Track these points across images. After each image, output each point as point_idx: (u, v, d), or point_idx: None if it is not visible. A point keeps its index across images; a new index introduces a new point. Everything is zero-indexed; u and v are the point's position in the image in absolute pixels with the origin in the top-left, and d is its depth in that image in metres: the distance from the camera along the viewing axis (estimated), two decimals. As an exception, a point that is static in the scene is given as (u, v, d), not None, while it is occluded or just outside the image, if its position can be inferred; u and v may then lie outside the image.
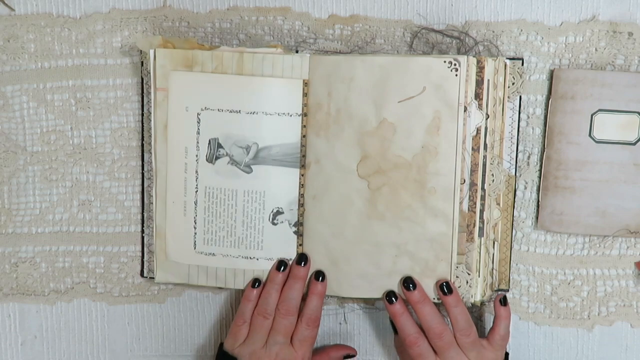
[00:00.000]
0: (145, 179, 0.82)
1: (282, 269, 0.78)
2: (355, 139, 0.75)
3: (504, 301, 0.75)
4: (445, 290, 0.75)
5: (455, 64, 0.72)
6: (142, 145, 0.82)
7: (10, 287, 0.86)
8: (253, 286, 0.78)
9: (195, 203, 0.79)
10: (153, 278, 0.82)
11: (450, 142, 0.73)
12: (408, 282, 0.75)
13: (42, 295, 0.86)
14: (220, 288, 0.82)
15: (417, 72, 0.73)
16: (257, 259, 0.79)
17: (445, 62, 0.72)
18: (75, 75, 0.82)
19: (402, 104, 0.73)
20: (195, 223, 0.79)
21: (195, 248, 0.80)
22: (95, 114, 0.83)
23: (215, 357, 0.79)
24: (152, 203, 0.82)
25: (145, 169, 0.82)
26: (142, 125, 0.82)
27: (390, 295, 0.76)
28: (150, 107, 0.80)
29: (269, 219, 0.78)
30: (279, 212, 0.78)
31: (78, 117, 0.83)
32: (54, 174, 0.84)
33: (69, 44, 0.82)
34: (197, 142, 0.77)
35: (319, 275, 0.78)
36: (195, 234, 0.79)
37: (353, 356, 0.83)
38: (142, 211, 0.83)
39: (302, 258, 0.78)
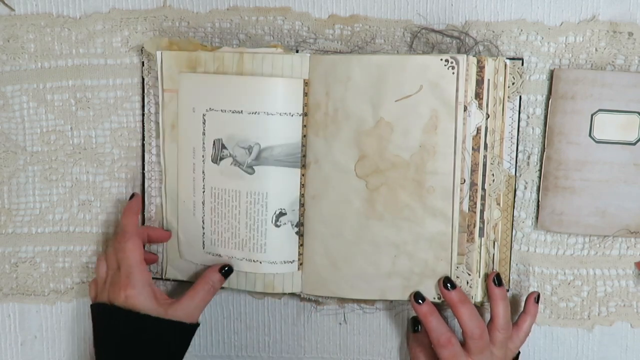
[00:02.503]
0: (145, 179, 0.82)
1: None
2: (353, 138, 0.75)
3: (537, 299, 0.78)
4: (496, 282, 0.74)
5: (452, 62, 0.72)
6: (143, 145, 0.82)
7: (10, 287, 0.86)
8: None
9: (203, 203, 0.79)
10: (154, 278, 0.82)
11: (448, 141, 0.73)
12: (447, 282, 0.74)
13: (42, 295, 0.86)
14: (222, 288, 0.82)
15: (414, 71, 0.72)
16: (260, 263, 0.78)
17: (442, 60, 0.72)
18: (75, 75, 0.82)
19: (399, 103, 0.73)
20: (204, 223, 0.79)
21: (204, 248, 0.80)
22: (95, 114, 0.83)
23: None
24: (152, 204, 0.82)
25: (146, 169, 0.82)
26: (143, 125, 0.82)
27: (417, 297, 0.75)
28: (151, 107, 0.81)
29: (272, 221, 0.77)
30: (282, 214, 0.77)
31: (78, 117, 0.83)
32: (54, 174, 0.84)
33: (69, 44, 0.82)
34: (203, 143, 0.77)
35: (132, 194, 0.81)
36: (204, 234, 0.79)
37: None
38: (143, 211, 0.83)
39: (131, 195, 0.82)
